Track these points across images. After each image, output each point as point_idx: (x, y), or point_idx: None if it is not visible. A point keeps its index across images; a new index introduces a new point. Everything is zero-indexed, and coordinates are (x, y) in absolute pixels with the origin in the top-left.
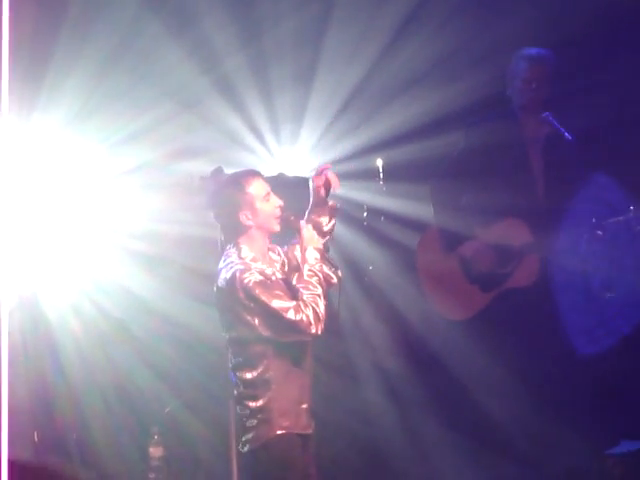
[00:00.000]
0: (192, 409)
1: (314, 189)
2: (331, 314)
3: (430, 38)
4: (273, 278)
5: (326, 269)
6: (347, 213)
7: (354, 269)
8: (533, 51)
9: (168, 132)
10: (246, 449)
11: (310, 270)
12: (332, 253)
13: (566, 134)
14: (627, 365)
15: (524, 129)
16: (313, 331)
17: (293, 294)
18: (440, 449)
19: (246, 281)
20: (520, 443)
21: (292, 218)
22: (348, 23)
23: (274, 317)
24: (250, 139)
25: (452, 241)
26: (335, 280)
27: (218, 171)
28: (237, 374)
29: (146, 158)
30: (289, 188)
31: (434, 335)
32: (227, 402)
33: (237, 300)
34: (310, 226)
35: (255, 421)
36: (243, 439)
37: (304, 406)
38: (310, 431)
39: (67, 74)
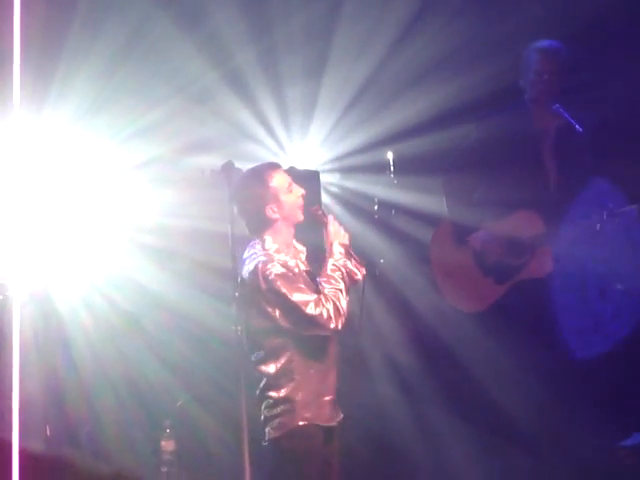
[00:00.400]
0: (203, 403)
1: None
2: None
3: (440, 31)
4: (296, 270)
5: (350, 265)
6: (358, 206)
7: (365, 262)
8: (545, 43)
9: (179, 126)
10: (267, 439)
11: (334, 265)
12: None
13: (577, 126)
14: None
15: (536, 121)
16: (332, 326)
17: (316, 287)
18: (452, 441)
19: (267, 272)
20: (532, 435)
21: (319, 212)
22: (358, 17)
23: (294, 310)
24: (260, 133)
25: (464, 234)
26: (359, 276)
27: (229, 165)
28: (259, 368)
29: (157, 152)
30: (299, 181)
31: (446, 327)
32: (239, 395)
33: (259, 291)
34: (337, 221)
35: (278, 410)
36: (266, 430)
37: (327, 398)
38: (334, 423)
39: (78, 69)
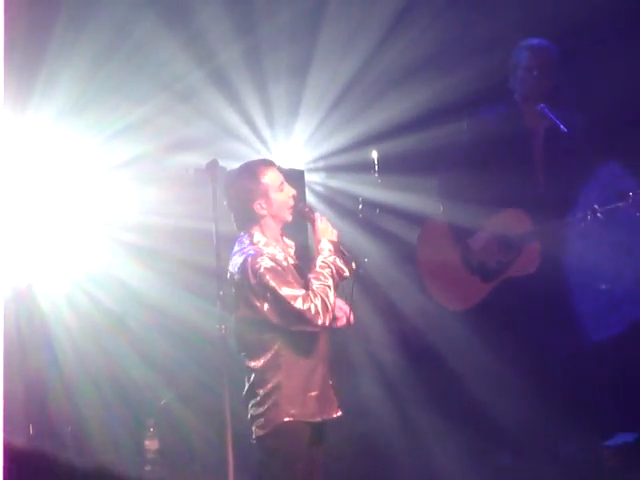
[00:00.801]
0: (187, 401)
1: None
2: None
3: (424, 30)
4: (284, 264)
5: (339, 262)
6: (342, 205)
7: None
8: (535, 41)
9: (163, 124)
10: (254, 437)
11: (323, 262)
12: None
13: (561, 126)
14: (623, 357)
15: (525, 120)
16: (320, 322)
17: (305, 282)
18: (437, 441)
19: (257, 266)
20: (517, 434)
21: (307, 209)
22: (342, 15)
23: (282, 304)
24: (245, 131)
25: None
26: (347, 274)
27: (213, 163)
28: (248, 364)
29: (141, 151)
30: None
31: (430, 327)
32: (223, 394)
33: (248, 285)
34: (325, 218)
35: (263, 408)
36: (252, 428)
37: (313, 393)
38: (319, 419)
39: (62, 67)
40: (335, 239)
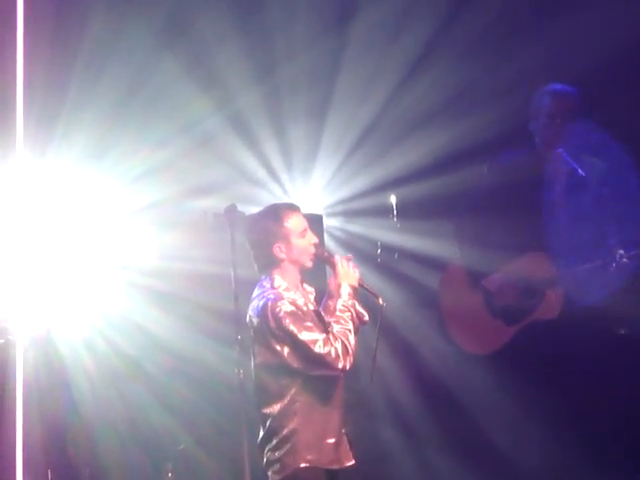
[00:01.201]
0: (205, 446)
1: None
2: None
3: (442, 74)
4: (305, 309)
5: (358, 306)
6: (361, 250)
7: (367, 306)
8: (557, 87)
9: (182, 169)
10: None
11: (343, 305)
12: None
13: (579, 170)
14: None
15: (546, 164)
16: (340, 365)
17: (324, 327)
18: None
19: (277, 310)
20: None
21: (326, 254)
22: (361, 60)
23: (302, 348)
24: (263, 176)
25: (478, 277)
26: (367, 318)
27: (231, 208)
28: (263, 410)
29: (159, 195)
30: None
31: (450, 372)
32: (241, 439)
33: (268, 329)
34: (345, 261)
35: (280, 453)
36: (268, 473)
37: (330, 440)
38: (337, 467)
39: (81, 112)
40: (356, 283)
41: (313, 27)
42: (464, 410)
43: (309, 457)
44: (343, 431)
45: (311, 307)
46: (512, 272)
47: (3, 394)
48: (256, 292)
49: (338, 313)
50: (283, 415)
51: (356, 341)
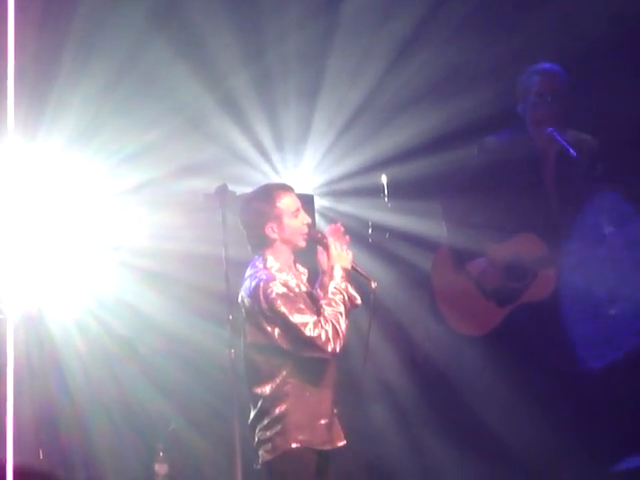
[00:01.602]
0: (197, 426)
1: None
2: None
3: (433, 55)
4: (297, 290)
5: (351, 289)
6: (352, 230)
7: (357, 285)
8: (546, 66)
9: (173, 149)
10: (260, 462)
11: (335, 288)
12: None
13: (570, 150)
14: (636, 380)
15: (536, 144)
16: (330, 349)
17: (316, 309)
18: (448, 467)
19: (269, 291)
20: (529, 460)
21: (319, 235)
22: (352, 40)
23: (293, 330)
24: (254, 156)
25: (464, 258)
26: (359, 301)
27: (222, 188)
28: (254, 390)
29: (151, 175)
30: None
31: (441, 352)
32: (232, 419)
33: (259, 310)
34: (338, 243)
35: (271, 433)
36: (259, 453)
37: (322, 421)
38: (328, 447)
39: (72, 92)
40: (349, 265)
41: (304, 8)
42: (456, 390)
43: (301, 438)
44: (335, 411)
45: (303, 288)
46: (503, 253)
47: None
48: (248, 272)
49: (330, 295)
50: (275, 396)
51: (347, 324)
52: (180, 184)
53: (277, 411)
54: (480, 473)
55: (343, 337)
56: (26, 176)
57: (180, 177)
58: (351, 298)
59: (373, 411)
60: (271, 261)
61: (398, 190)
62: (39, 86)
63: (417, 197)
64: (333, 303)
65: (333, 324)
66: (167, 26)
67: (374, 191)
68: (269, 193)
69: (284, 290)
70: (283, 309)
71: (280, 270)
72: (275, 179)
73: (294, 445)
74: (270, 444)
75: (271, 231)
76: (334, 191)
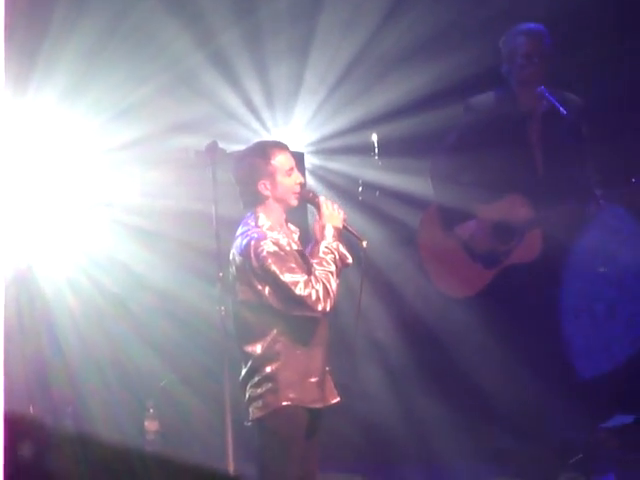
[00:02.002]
0: (188, 383)
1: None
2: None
3: (426, 11)
4: (287, 248)
5: (342, 248)
6: (342, 188)
7: (349, 244)
8: (531, 26)
9: (163, 106)
10: (251, 419)
11: (326, 247)
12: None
13: (561, 109)
14: None
15: (522, 105)
16: (320, 308)
17: (307, 268)
18: (436, 424)
19: (260, 249)
20: (517, 417)
21: (311, 195)
22: None
23: (283, 289)
24: (245, 113)
25: (452, 219)
26: (350, 260)
27: (213, 145)
28: (245, 348)
29: (141, 132)
30: None
31: (431, 311)
32: (222, 377)
33: (250, 268)
34: (330, 202)
35: (262, 390)
36: (250, 409)
37: (313, 379)
38: (320, 405)
39: (62, 49)
40: (340, 225)
41: None
42: (445, 348)
43: (292, 395)
44: (327, 369)
45: (294, 247)
46: (491, 214)
47: None
48: (240, 230)
49: (321, 255)
50: (266, 354)
51: (338, 283)
52: (171, 141)
53: (268, 369)
54: (469, 430)
55: (334, 296)
56: (16, 133)
57: (171, 134)
58: (342, 257)
59: (364, 369)
60: (263, 219)
61: (389, 148)
62: (29, 42)
63: (408, 155)
64: (324, 262)
65: (324, 283)
66: None
67: (365, 149)
68: (264, 150)
69: (275, 249)
70: (274, 268)
71: (271, 228)
72: (265, 136)
73: (285, 403)
74: (261, 401)
75: (264, 188)
76: (324, 149)
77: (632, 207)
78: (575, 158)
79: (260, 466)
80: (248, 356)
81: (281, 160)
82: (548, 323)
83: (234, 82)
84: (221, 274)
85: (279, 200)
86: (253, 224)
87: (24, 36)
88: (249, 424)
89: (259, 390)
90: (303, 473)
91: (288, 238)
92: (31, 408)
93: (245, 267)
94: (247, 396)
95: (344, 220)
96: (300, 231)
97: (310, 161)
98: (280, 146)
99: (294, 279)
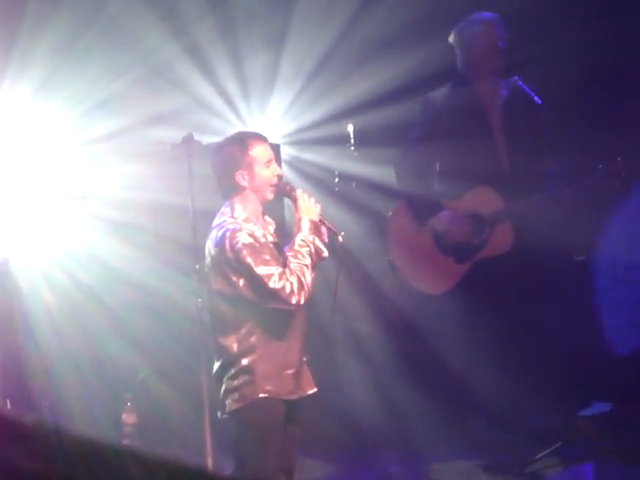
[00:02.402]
0: (165, 376)
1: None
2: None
3: (402, 2)
4: (262, 240)
5: (318, 242)
6: (318, 179)
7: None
8: (487, 15)
9: (139, 98)
10: (227, 411)
11: (302, 240)
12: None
13: (535, 97)
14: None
15: (481, 95)
16: (294, 301)
17: (282, 260)
18: (414, 415)
19: (235, 241)
20: (494, 407)
21: (288, 187)
22: None
23: (257, 282)
24: (220, 105)
25: (422, 212)
26: (326, 254)
27: (188, 137)
28: (220, 341)
29: (117, 125)
30: None
31: (408, 302)
32: (200, 369)
33: (225, 259)
34: (306, 196)
35: (238, 382)
36: (226, 402)
37: (289, 371)
38: (295, 397)
39: (37, 41)
40: (316, 218)
41: None
42: (423, 339)
43: (268, 388)
44: (305, 359)
45: (270, 239)
46: (458, 208)
47: None
48: (216, 220)
49: (297, 247)
50: (241, 347)
51: (313, 276)
52: (147, 133)
53: (244, 362)
54: (446, 418)
55: (308, 290)
56: None
57: (147, 126)
58: (318, 251)
59: (342, 360)
60: (239, 210)
61: (365, 139)
62: (4, 35)
63: (384, 146)
64: (299, 255)
65: (298, 276)
66: None
67: (341, 140)
68: (243, 141)
69: (250, 240)
70: (249, 260)
71: (247, 220)
72: (241, 128)
73: (262, 395)
74: (237, 393)
75: (241, 178)
76: (301, 140)
77: (599, 194)
78: (541, 147)
79: (238, 459)
80: (223, 348)
81: (259, 151)
82: (524, 314)
83: (209, 73)
84: (197, 266)
85: (256, 191)
86: (229, 215)
87: None
88: (225, 416)
89: (235, 382)
90: (282, 464)
91: (264, 230)
92: (8, 403)
93: (220, 259)
94: (223, 388)
95: (320, 214)
96: (276, 223)
97: (286, 152)
98: (259, 137)
99: (269, 271)
